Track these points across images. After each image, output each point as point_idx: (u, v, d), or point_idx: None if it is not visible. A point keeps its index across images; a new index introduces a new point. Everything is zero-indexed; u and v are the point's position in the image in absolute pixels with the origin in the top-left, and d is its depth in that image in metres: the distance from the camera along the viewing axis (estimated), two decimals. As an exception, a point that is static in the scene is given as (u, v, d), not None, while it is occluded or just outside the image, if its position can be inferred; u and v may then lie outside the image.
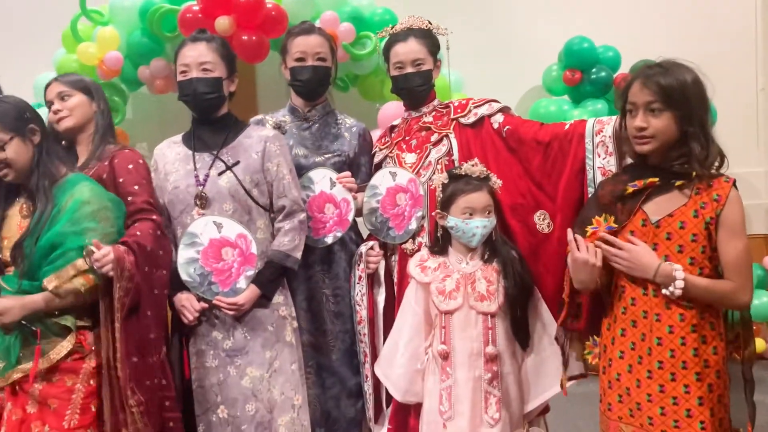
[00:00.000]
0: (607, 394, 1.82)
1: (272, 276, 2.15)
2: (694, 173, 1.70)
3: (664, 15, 4.42)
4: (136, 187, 2.06)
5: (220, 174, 2.14)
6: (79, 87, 2.18)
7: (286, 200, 2.18)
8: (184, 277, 2.07)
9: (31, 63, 3.97)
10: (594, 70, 3.99)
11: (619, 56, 4.08)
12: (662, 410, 1.70)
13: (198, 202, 2.12)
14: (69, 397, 1.88)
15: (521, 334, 2.10)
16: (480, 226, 2.05)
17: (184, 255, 2.07)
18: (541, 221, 2.21)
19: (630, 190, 1.75)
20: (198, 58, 2.14)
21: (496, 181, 2.13)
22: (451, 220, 2.08)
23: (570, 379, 2.03)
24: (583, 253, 1.75)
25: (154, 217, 2.06)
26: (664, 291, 1.69)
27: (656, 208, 1.73)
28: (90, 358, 1.92)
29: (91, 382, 1.91)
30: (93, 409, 1.90)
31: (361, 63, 3.95)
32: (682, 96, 1.70)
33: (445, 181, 2.12)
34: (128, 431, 1.86)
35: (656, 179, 1.72)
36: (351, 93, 4.28)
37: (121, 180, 2.06)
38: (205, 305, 2.09)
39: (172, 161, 2.20)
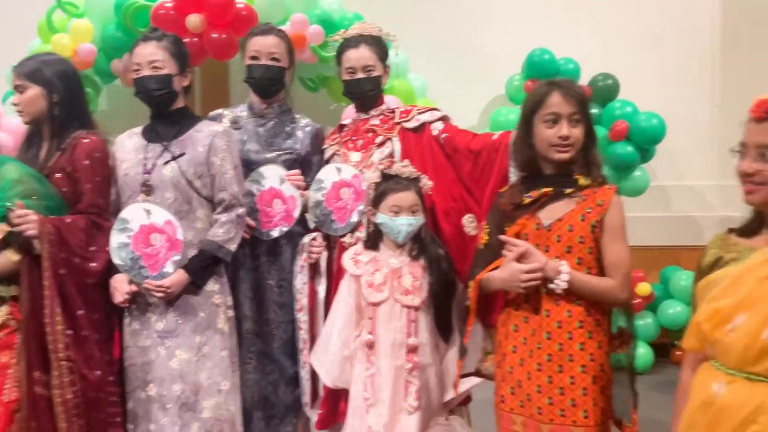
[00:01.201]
0: (501, 387, 1.95)
1: (202, 264, 2.25)
2: (581, 181, 1.85)
3: (624, 30, 4.58)
4: (88, 186, 2.20)
5: (165, 164, 2.27)
6: (35, 78, 2.20)
7: (226, 194, 2.30)
8: (115, 260, 2.19)
9: (7, 52, 4.05)
10: (554, 81, 4.12)
11: (578, 68, 4.21)
12: (550, 400, 1.84)
13: (143, 189, 2.25)
14: (5, 372, 1.99)
15: (443, 328, 2.22)
16: (405, 223, 2.18)
17: (116, 239, 2.19)
18: (469, 224, 2.35)
19: (527, 201, 1.89)
20: (148, 56, 2.26)
21: (426, 183, 2.25)
22: (380, 217, 2.21)
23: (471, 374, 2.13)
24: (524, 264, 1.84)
25: (93, 217, 2.19)
26: (550, 285, 1.83)
27: (549, 213, 1.88)
28: (22, 330, 2.02)
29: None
30: None
31: (329, 64, 4.05)
32: (589, 109, 1.88)
33: (378, 180, 2.25)
34: (48, 389, 1.96)
35: (550, 189, 1.86)
36: (321, 93, 4.41)
37: (78, 176, 2.19)
38: (135, 288, 2.21)
39: (128, 150, 2.33)
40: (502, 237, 1.89)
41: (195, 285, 2.25)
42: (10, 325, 2.02)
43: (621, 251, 1.84)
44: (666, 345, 4.53)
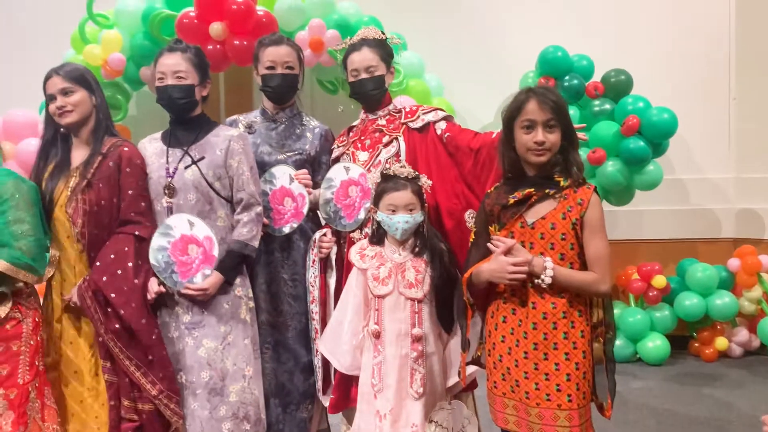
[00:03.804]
0: (493, 374, 2.07)
1: (233, 263, 2.41)
2: (562, 182, 1.96)
3: (638, 26, 4.61)
4: (130, 192, 2.37)
5: (186, 167, 2.43)
6: (81, 82, 2.37)
7: (244, 194, 2.45)
8: (152, 260, 2.35)
9: (43, 63, 4.26)
10: (567, 77, 4.19)
11: (592, 65, 4.27)
12: (536, 386, 1.95)
13: (166, 192, 2.41)
14: (18, 359, 2.19)
15: (445, 320, 2.33)
16: (401, 221, 2.29)
17: (156, 242, 2.35)
18: (471, 219, 2.45)
19: (512, 201, 2.00)
20: (173, 66, 2.42)
21: (426, 182, 2.36)
22: (379, 215, 2.34)
23: (472, 363, 2.23)
24: (510, 257, 1.96)
25: (137, 231, 2.34)
26: (536, 280, 1.94)
27: (532, 212, 1.99)
28: (27, 320, 2.23)
29: (31, 342, 2.23)
30: (37, 364, 2.23)
31: (346, 67, 4.20)
32: (566, 114, 1.98)
33: (378, 180, 2.37)
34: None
35: (532, 189, 1.98)
36: (340, 95, 4.56)
37: (121, 183, 2.37)
38: (163, 290, 2.36)
39: (150, 155, 2.49)
40: (494, 237, 2.01)
41: (227, 283, 2.40)
42: (16, 317, 2.22)
43: (601, 246, 1.95)
44: (683, 337, 4.57)
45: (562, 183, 1.97)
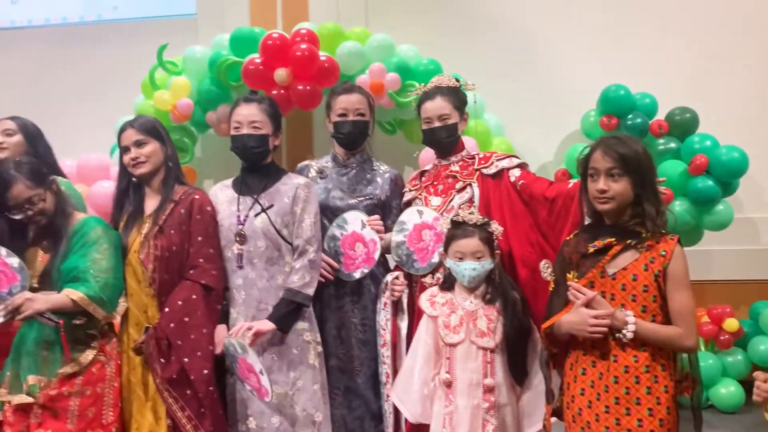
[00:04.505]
0: (571, 427, 2.02)
1: (285, 310, 2.40)
2: (644, 233, 1.91)
3: (703, 62, 4.51)
4: (199, 239, 2.42)
5: (256, 215, 2.47)
6: (153, 134, 2.45)
7: (300, 240, 2.47)
8: (227, 345, 2.33)
9: (115, 107, 4.46)
10: (630, 116, 4.13)
11: (655, 103, 4.20)
12: None
13: (237, 239, 2.45)
14: (103, 401, 2.27)
15: (517, 371, 2.28)
16: (468, 268, 2.27)
17: (231, 342, 2.31)
18: (545, 269, 2.43)
19: (591, 250, 1.97)
20: (249, 116, 2.49)
21: (497, 229, 2.34)
22: (448, 262, 2.34)
23: (553, 414, 2.18)
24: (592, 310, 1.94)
25: (203, 280, 2.36)
26: (617, 335, 1.89)
27: (613, 262, 1.95)
28: (110, 363, 2.31)
29: (114, 384, 2.31)
30: (120, 405, 2.31)
31: (406, 109, 4.24)
32: (636, 164, 1.93)
33: (449, 227, 2.37)
34: None
35: (613, 239, 1.94)
36: (398, 135, 4.60)
37: (191, 230, 2.42)
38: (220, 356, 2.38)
39: (221, 202, 2.55)
40: (574, 285, 1.97)
41: (281, 330, 2.40)
42: (101, 360, 2.30)
43: (685, 299, 1.91)
44: (758, 383, 4.36)
45: (643, 234, 1.93)
